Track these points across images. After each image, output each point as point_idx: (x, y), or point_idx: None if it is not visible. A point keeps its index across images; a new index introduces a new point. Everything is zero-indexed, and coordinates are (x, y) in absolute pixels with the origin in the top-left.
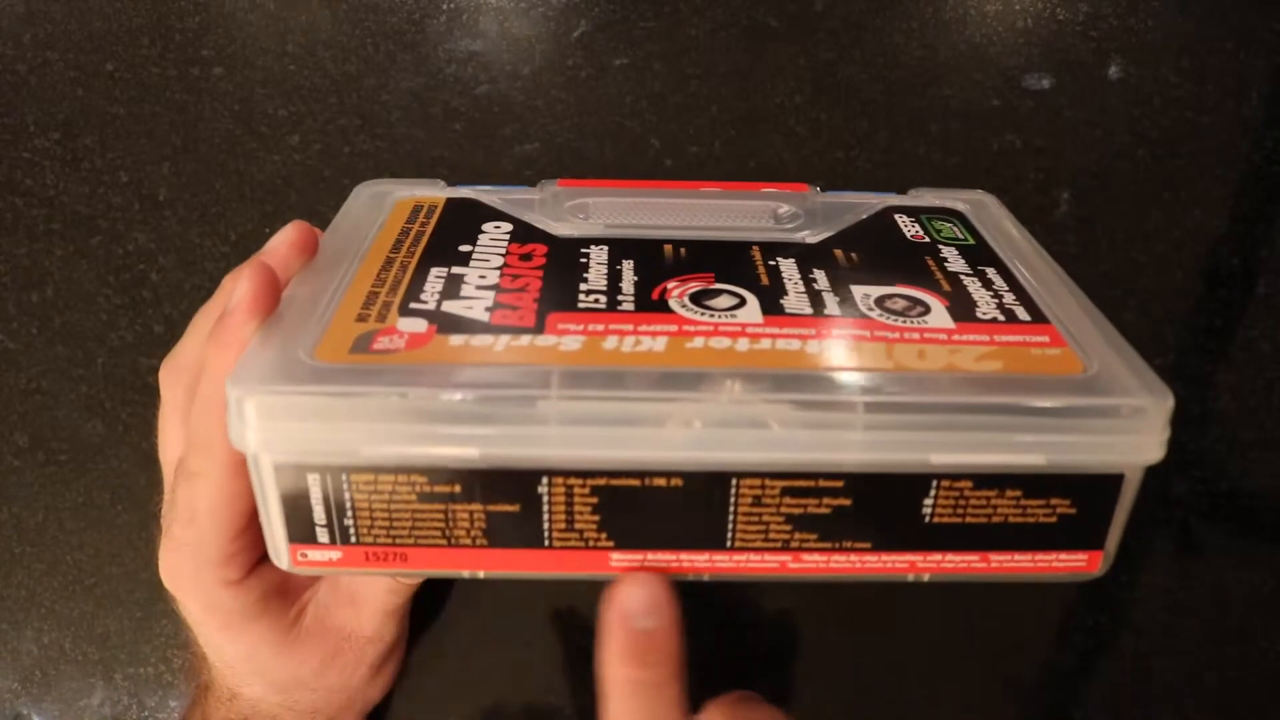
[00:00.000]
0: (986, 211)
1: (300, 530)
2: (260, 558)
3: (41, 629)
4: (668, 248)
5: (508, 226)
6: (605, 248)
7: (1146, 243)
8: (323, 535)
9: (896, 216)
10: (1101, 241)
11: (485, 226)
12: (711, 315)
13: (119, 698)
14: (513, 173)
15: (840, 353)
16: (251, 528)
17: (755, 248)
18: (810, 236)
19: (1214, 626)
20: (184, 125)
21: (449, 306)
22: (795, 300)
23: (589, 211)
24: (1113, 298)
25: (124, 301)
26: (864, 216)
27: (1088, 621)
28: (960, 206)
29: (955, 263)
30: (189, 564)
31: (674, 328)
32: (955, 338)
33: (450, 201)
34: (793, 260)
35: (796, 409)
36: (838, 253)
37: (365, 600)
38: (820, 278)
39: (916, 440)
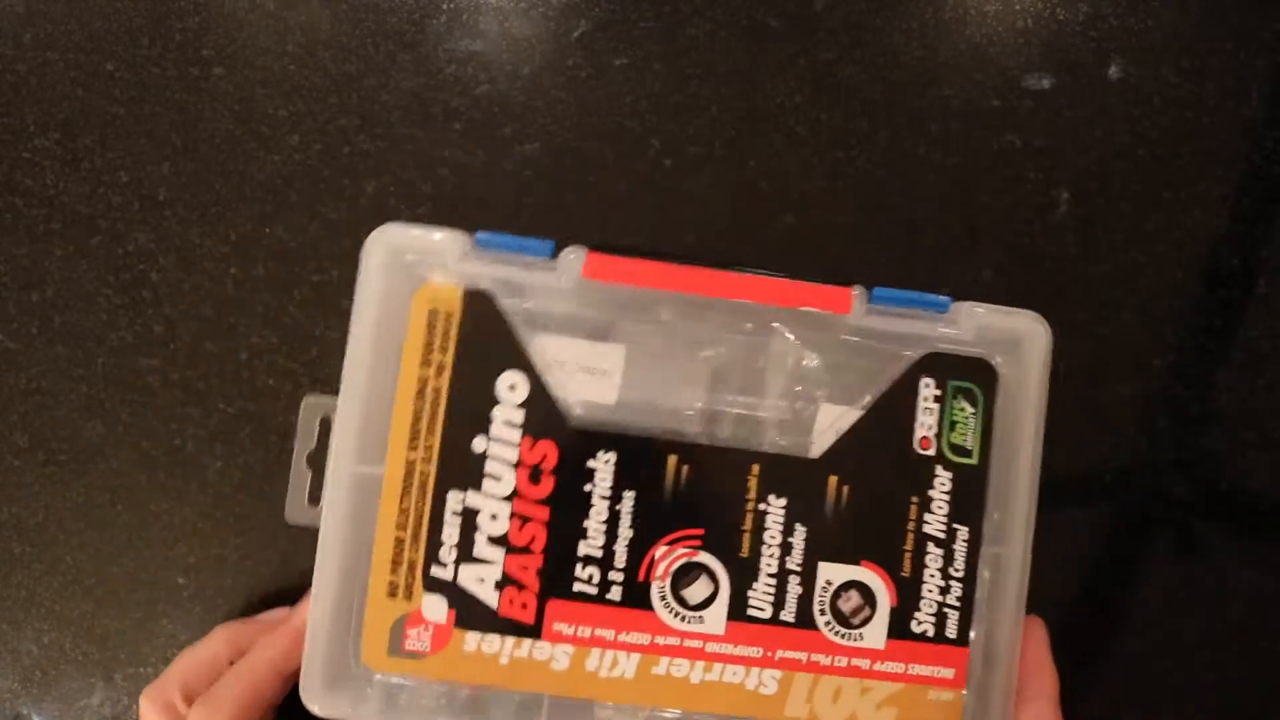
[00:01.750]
0: (1022, 370)
1: None
2: None
3: (41, 629)
4: (671, 462)
5: (524, 392)
6: (612, 460)
7: (1146, 243)
8: None
9: (923, 385)
10: (1101, 241)
11: (499, 387)
12: (682, 620)
13: (119, 698)
14: (512, 173)
15: (771, 688)
16: None
17: (755, 468)
18: (819, 433)
19: (1214, 626)
20: (184, 125)
21: (464, 577)
22: (761, 593)
23: (611, 333)
24: (1113, 298)
25: (124, 301)
26: (889, 382)
27: (1088, 621)
28: (997, 361)
29: (937, 514)
30: None
31: (647, 640)
32: (875, 667)
33: (466, 309)
34: (784, 504)
35: None
36: (832, 482)
37: None
38: (797, 542)
39: None
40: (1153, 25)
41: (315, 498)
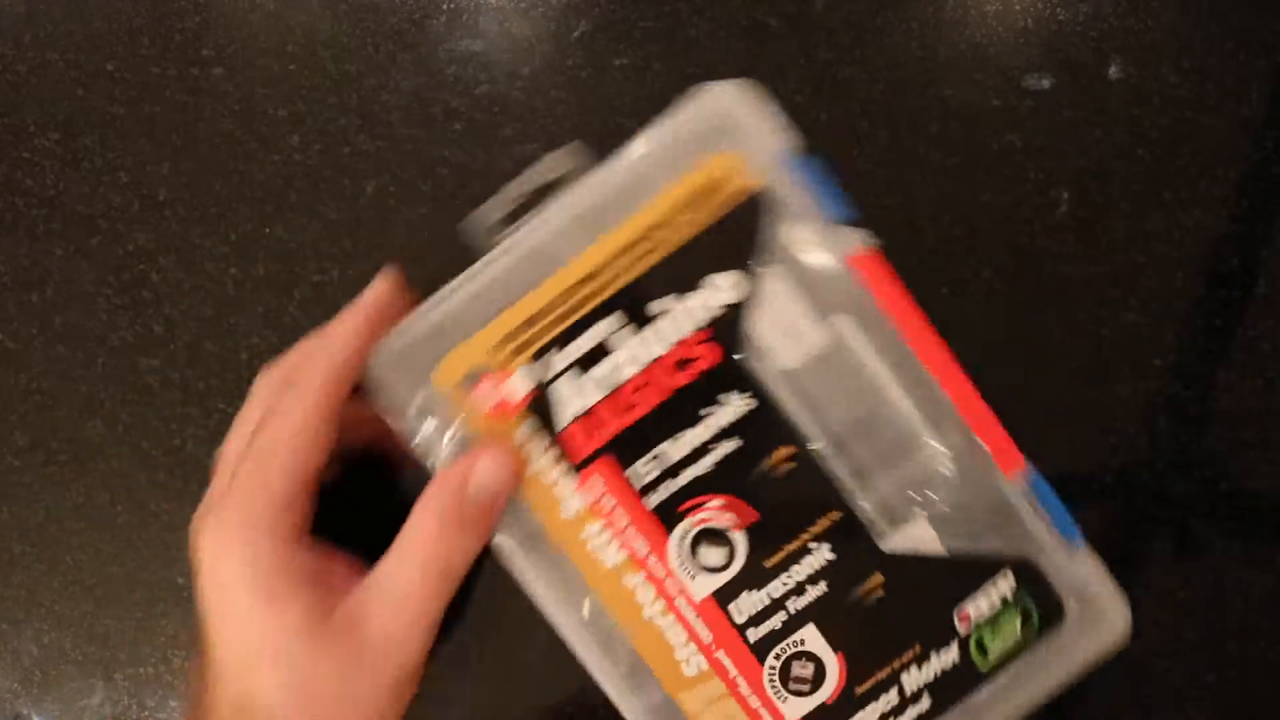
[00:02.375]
0: (1085, 634)
1: None
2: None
3: (41, 629)
4: (781, 452)
5: (727, 299)
6: (744, 409)
7: (1146, 243)
8: None
9: (1003, 575)
10: (1101, 241)
11: (715, 279)
12: (680, 564)
13: (119, 698)
14: (513, 173)
15: (691, 670)
16: (310, 494)
17: (834, 515)
18: (901, 535)
19: (1214, 626)
20: (184, 125)
21: (563, 383)
22: (751, 602)
23: (827, 319)
24: (1113, 298)
25: (124, 301)
26: (981, 550)
27: None
28: (1072, 607)
29: (922, 674)
30: (239, 516)
31: (645, 552)
32: None
33: (740, 205)
34: (827, 559)
35: None
36: (875, 578)
37: (409, 608)
38: (811, 593)
39: None
40: (1153, 25)
41: (510, 222)
